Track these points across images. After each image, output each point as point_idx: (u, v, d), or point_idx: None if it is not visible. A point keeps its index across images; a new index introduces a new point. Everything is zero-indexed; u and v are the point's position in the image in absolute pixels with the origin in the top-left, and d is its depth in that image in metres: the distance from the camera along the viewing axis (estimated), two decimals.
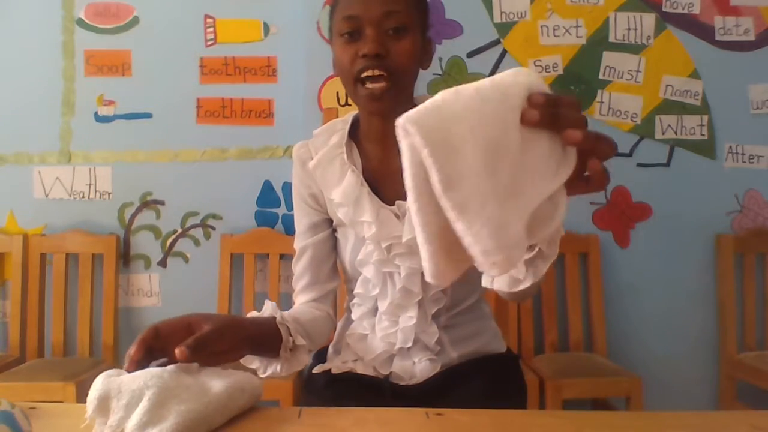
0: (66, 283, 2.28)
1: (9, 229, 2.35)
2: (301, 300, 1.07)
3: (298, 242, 1.07)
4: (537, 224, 0.57)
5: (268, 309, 0.93)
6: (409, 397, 0.99)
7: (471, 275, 1.04)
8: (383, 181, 1.00)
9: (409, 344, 1.00)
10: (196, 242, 2.37)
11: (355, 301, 1.06)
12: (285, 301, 2.31)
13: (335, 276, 1.09)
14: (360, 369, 1.04)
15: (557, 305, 2.31)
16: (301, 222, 1.07)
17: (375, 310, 1.03)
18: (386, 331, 1.01)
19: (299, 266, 1.07)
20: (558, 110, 0.54)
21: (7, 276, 2.33)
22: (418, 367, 1.01)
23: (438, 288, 0.98)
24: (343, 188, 0.99)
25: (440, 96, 0.52)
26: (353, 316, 1.07)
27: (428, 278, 0.56)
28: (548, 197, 0.57)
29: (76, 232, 2.31)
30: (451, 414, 0.76)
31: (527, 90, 0.54)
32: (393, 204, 0.99)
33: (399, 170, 0.97)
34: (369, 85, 0.91)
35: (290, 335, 0.91)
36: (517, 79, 0.55)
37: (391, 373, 1.02)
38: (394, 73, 0.91)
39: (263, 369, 0.93)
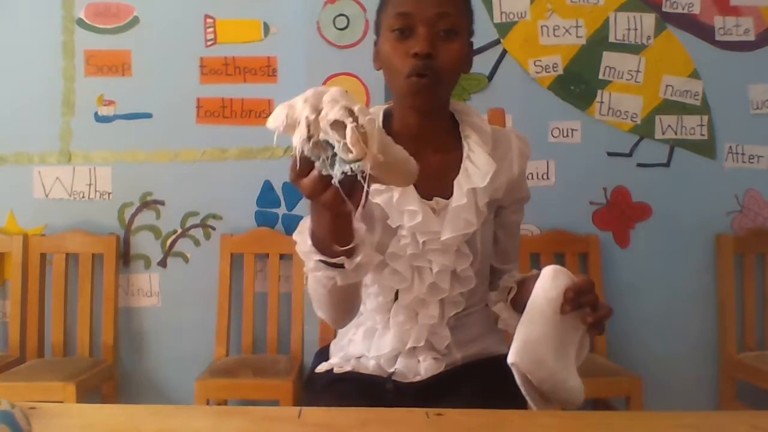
0: (66, 283, 2.28)
1: (9, 229, 2.35)
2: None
3: None
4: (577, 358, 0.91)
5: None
6: (411, 395, 1.00)
7: (484, 281, 1.07)
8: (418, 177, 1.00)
9: (421, 343, 1.01)
10: (196, 242, 2.37)
11: (371, 290, 1.04)
12: (285, 301, 2.32)
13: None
14: (362, 368, 1.04)
15: None
16: None
17: (392, 303, 1.02)
18: (402, 327, 1.01)
19: None
20: (580, 298, 0.85)
21: (7, 276, 2.33)
22: (423, 366, 1.01)
23: (464, 289, 1.01)
24: None
25: (524, 335, 0.86)
26: (367, 307, 1.05)
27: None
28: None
29: (76, 232, 2.31)
30: (451, 414, 0.76)
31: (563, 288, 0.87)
32: (430, 199, 0.99)
33: (432, 169, 0.99)
34: (414, 80, 0.92)
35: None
36: (557, 284, 0.88)
37: (394, 371, 1.02)
38: (439, 74, 0.92)
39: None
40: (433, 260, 0.99)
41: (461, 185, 0.99)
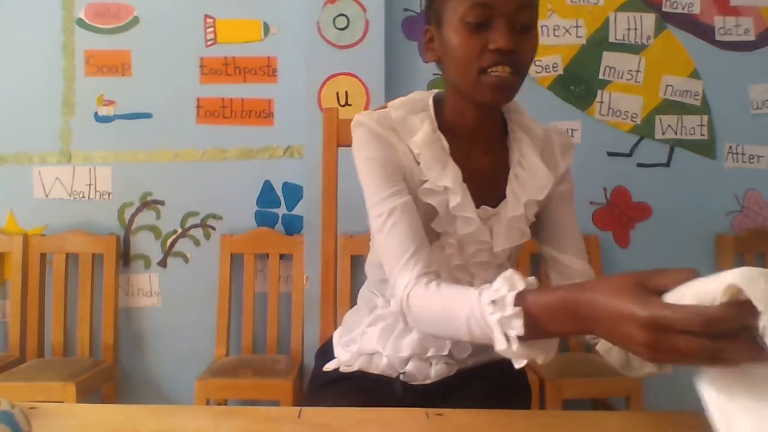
0: (66, 283, 2.28)
1: (9, 229, 2.35)
2: (409, 274, 0.86)
3: (384, 207, 0.89)
4: None
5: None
6: (418, 396, 0.99)
7: None
8: (467, 179, 0.93)
9: (444, 352, 0.99)
10: (196, 242, 2.37)
11: None
12: (285, 301, 2.32)
13: (427, 246, 0.91)
14: (372, 367, 1.03)
15: None
16: (382, 187, 0.91)
17: None
18: (425, 334, 0.97)
19: (393, 234, 0.88)
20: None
21: (7, 276, 2.33)
22: (434, 369, 1.00)
23: None
24: (452, 177, 0.91)
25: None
26: (391, 306, 0.99)
27: None
28: None
29: (76, 232, 2.31)
30: (451, 414, 0.76)
31: None
32: (478, 207, 0.93)
33: (482, 170, 0.95)
34: (497, 73, 0.86)
35: None
36: None
37: (404, 372, 1.01)
38: (520, 70, 0.88)
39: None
40: (476, 274, 0.95)
41: (516, 194, 0.94)
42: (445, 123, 0.95)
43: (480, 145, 0.97)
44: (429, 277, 0.85)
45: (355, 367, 1.04)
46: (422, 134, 0.92)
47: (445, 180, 0.91)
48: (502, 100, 0.90)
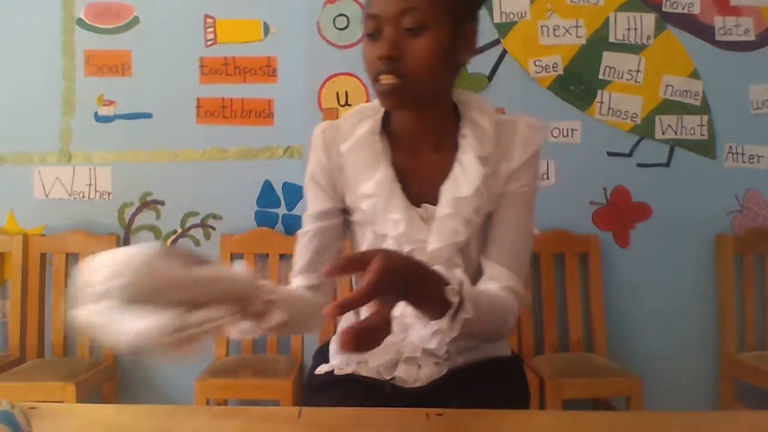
0: (66, 283, 2.28)
1: (9, 229, 2.35)
2: (296, 284, 1.03)
3: (304, 226, 1.03)
4: None
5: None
6: (411, 399, 0.97)
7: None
8: (411, 179, 0.97)
9: (418, 354, 0.99)
10: (196, 242, 2.37)
11: None
12: None
13: None
14: (363, 371, 1.03)
15: (557, 305, 2.31)
16: (310, 206, 1.04)
17: None
18: (395, 338, 0.98)
19: (300, 248, 1.03)
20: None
21: (7, 276, 2.33)
22: (424, 371, 0.99)
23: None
24: (377, 180, 0.95)
25: None
26: (362, 316, 1.03)
27: None
28: None
29: (76, 232, 2.31)
30: (451, 414, 0.76)
31: None
32: (419, 206, 0.96)
33: (428, 170, 0.96)
34: (382, 81, 0.89)
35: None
36: None
37: (394, 376, 1.00)
38: (407, 75, 0.88)
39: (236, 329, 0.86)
40: None
41: (449, 192, 0.95)
42: (393, 129, 0.99)
43: (429, 143, 0.98)
44: (299, 285, 1.00)
45: (348, 370, 1.03)
46: (353, 140, 0.98)
47: (368, 186, 0.95)
48: (392, 105, 0.93)
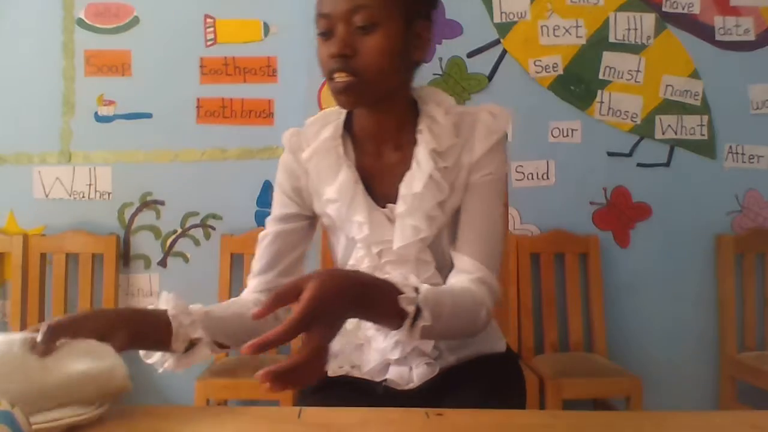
0: (66, 283, 2.28)
1: (9, 229, 2.35)
2: (251, 286, 1.03)
3: (266, 228, 1.04)
4: None
5: (164, 301, 0.88)
6: (405, 400, 0.95)
7: None
8: (376, 180, 0.97)
9: (396, 356, 0.97)
10: (196, 242, 2.37)
11: None
12: None
13: (295, 270, 1.04)
14: (357, 373, 1.01)
15: (557, 305, 2.31)
16: (273, 209, 1.05)
17: None
18: (380, 345, 0.97)
19: (259, 250, 1.03)
20: None
21: (7, 276, 2.33)
22: (416, 372, 0.98)
23: None
24: (339, 184, 0.95)
25: None
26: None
27: None
28: None
29: (76, 232, 2.31)
30: (451, 414, 0.76)
31: None
32: (384, 206, 0.96)
33: (391, 169, 0.96)
34: (336, 79, 0.89)
35: (184, 328, 0.85)
36: None
37: (387, 379, 0.99)
38: (360, 73, 0.88)
39: (159, 363, 0.88)
40: (391, 272, 0.93)
41: (402, 190, 0.94)
42: (354, 131, 0.99)
43: (390, 142, 0.98)
44: (254, 295, 1.01)
45: (341, 372, 1.01)
46: (313, 146, 0.98)
47: (331, 191, 0.96)
48: (346, 103, 0.92)
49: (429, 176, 0.92)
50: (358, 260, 0.97)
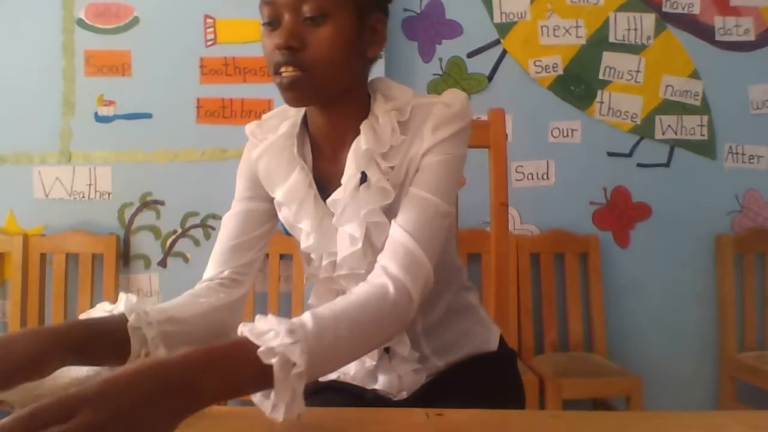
0: (66, 283, 2.28)
1: (9, 229, 2.35)
2: (208, 272, 0.97)
3: (230, 211, 0.98)
4: None
5: (122, 305, 0.80)
6: (396, 406, 0.93)
7: (437, 284, 0.84)
8: (332, 184, 0.87)
9: (375, 361, 0.93)
10: (196, 242, 2.37)
11: None
12: (285, 301, 2.32)
13: (257, 250, 0.97)
14: (348, 379, 0.98)
15: (557, 305, 2.31)
16: (237, 193, 1.00)
17: None
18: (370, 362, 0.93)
19: (220, 233, 0.97)
20: None
21: (7, 276, 2.33)
22: (405, 381, 0.94)
23: None
24: (289, 186, 0.89)
25: None
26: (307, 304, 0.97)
27: None
28: None
29: (76, 232, 2.31)
30: (451, 414, 0.76)
31: None
32: None
33: (343, 172, 0.87)
34: (282, 73, 0.82)
35: (145, 344, 0.77)
36: None
37: (376, 388, 0.95)
38: (308, 67, 0.81)
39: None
40: (347, 286, 0.87)
41: (335, 196, 0.85)
42: (311, 132, 0.92)
43: (348, 142, 0.87)
44: (207, 282, 0.96)
45: (332, 376, 0.98)
46: (264, 144, 0.93)
47: (280, 194, 0.90)
48: (292, 100, 0.86)
49: (351, 185, 0.84)
50: (314, 269, 0.91)
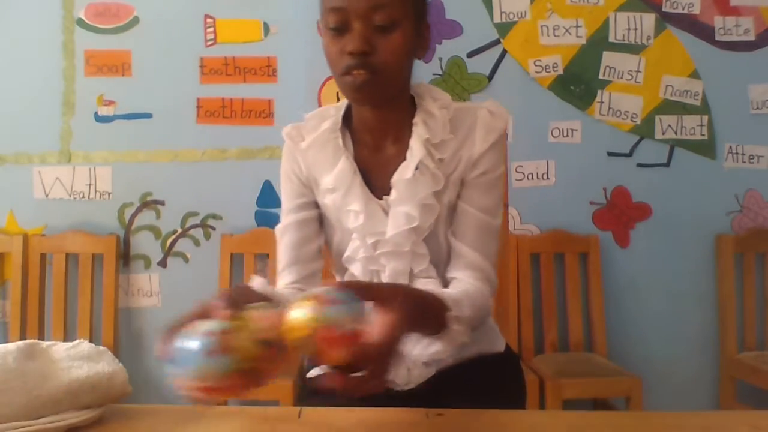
0: (66, 283, 2.28)
1: (9, 229, 2.35)
2: (283, 281, 1.03)
3: (282, 222, 1.05)
4: None
5: (258, 284, 0.88)
6: (404, 400, 0.93)
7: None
8: (374, 172, 0.98)
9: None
10: (196, 242, 2.37)
11: None
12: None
13: (319, 257, 1.05)
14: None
15: (557, 305, 2.31)
16: (286, 201, 1.06)
17: None
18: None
19: (281, 246, 1.04)
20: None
21: (7, 276, 2.33)
22: (414, 373, 0.98)
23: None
24: (336, 173, 0.97)
25: None
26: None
27: None
28: None
29: (76, 232, 2.31)
30: (451, 414, 0.76)
31: None
32: (381, 198, 0.97)
33: (389, 162, 0.96)
34: (352, 76, 0.89)
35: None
36: None
37: None
38: (378, 71, 0.88)
39: None
40: (386, 264, 0.96)
41: (395, 178, 0.95)
42: (354, 123, 1.00)
43: (389, 136, 0.99)
44: (292, 288, 1.01)
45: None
46: (312, 136, 1.00)
47: (328, 180, 0.97)
48: (361, 100, 0.94)
49: (422, 164, 0.93)
50: (354, 251, 0.98)
